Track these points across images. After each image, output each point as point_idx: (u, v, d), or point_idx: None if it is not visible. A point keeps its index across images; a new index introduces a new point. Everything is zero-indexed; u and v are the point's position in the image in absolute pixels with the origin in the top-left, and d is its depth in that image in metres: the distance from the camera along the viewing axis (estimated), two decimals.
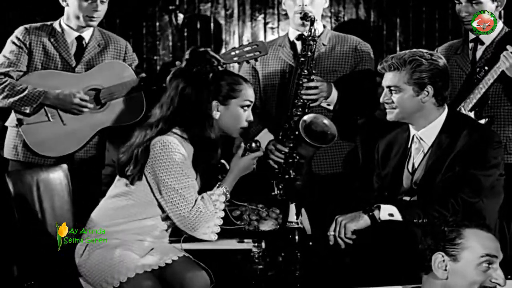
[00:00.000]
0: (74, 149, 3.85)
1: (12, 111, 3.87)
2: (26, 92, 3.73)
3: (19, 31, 3.91)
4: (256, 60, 3.94)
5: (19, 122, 3.80)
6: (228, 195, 2.96)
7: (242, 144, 3.06)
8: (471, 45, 3.82)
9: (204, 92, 2.95)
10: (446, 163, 3.13)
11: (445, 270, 2.43)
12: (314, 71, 3.82)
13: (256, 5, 5.10)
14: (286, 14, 5.02)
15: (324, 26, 4.10)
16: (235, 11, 5.08)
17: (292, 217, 3.15)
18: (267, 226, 3.11)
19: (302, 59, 3.82)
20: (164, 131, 2.93)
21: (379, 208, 3.06)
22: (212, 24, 5.04)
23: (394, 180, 3.29)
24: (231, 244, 3.66)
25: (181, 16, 5.06)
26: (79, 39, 3.96)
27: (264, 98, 4.04)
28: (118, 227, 2.97)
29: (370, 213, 3.05)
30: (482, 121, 3.64)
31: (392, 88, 3.21)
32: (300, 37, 3.96)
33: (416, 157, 3.26)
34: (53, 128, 3.81)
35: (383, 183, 3.35)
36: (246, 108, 3.03)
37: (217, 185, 2.97)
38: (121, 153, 3.00)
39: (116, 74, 3.90)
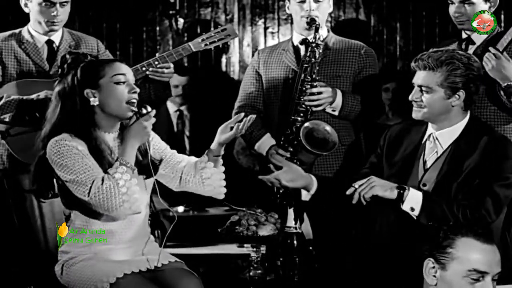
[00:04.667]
0: None
1: None
2: (2, 101, 3.69)
3: None
4: (227, 44, 3.91)
5: (3, 134, 3.74)
6: (128, 165, 2.86)
7: (133, 114, 2.94)
8: (463, 45, 3.84)
9: (71, 87, 2.92)
10: (463, 173, 3.06)
11: (434, 276, 2.43)
12: (317, 77, 3.81)
13: (257, 9, 5.11)
14: (286, 19, 5.04)
15: (328, 31, 4.09)
16: (235, 16, 5.10)
17: (290, 222, 3.15)
18: (265, 231, 3.10)
19: (306, 65, 3.81)
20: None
21: (408, 191, 3.02)
22: (212, 29, 5.04)
23: (402, 174, 3.22)
24: (231, 249, 3.67)
25: (181, 21, 5.08)
26: (49, 42, 3.91)
27: (267, 103, 4.04)
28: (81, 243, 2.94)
29: (402, 191, 3.02)
30: None
31: (423, 88, 3.14)
32: (304, 41, 3.95)
33: (429, 156, 3.20)
34: (35, 135, 3.78)
35: (390, 172, 3.28)
36: (121, 83, 2.94)
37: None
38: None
39: None
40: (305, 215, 3.71)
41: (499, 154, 3.05)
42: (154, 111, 2.94)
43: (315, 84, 3.78)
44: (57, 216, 3.36)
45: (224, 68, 5.11)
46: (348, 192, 3.05)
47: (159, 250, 3.01)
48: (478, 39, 3.77)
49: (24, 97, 3.73)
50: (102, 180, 2.80)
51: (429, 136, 3.22)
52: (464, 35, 3.84)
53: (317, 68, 3.81)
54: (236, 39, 5.05)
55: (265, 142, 3.91)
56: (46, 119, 2.98)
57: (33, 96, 3.72)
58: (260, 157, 3.95)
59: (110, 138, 2.98)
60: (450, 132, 3.17)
